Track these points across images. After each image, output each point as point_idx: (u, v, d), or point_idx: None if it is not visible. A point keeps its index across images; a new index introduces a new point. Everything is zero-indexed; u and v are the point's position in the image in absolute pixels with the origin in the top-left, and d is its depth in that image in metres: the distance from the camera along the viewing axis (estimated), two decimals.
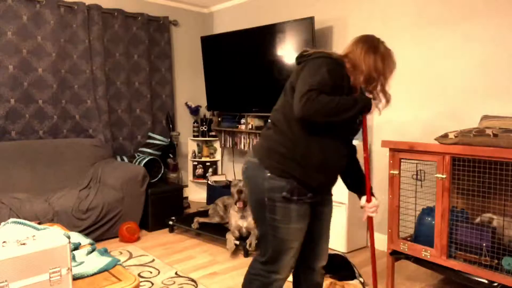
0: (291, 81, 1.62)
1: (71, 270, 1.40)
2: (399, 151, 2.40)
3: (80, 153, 3.85)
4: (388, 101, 1.67)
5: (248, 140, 4.39)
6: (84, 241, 2.17)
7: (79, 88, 4.03)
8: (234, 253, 3.16)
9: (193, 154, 4.95)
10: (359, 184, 1.80)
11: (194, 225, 3.52)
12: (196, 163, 4.96)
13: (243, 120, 4.34)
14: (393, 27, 3.18)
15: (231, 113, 4.56)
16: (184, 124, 4.99)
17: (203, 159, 4.93)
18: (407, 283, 2.68)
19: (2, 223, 1.61)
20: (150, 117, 4.58)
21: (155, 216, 3.76)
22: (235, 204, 3.26)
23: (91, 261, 1.84)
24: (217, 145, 4.96)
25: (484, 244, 2.10)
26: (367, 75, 1.58)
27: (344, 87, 1.56)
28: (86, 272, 1.70)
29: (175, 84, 4.89)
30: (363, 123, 1.71)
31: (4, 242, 1.33)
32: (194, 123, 4.95)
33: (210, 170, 4.95)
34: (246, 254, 3.14)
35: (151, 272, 2.82)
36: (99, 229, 3.36)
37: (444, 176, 2.19)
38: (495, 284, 2.01)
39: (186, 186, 4.93)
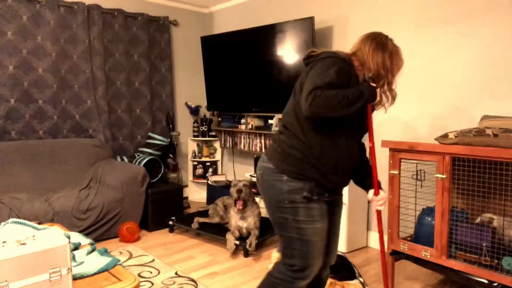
0: (301, 82, 1.61)
1: (71, 270, 1.40)
2: (399, 151, 2.40)
3: (80, 153, 3.85)
4: (394, 98, 1.68)
5: (248, 140, 4.39)
6: (84, 241, 2.17)
7: (79, 88, 4.03)
8: (234, 253, 3.16)
9: (193, 154, 4.95)
10: (365, 177, 1.78)
11: (194, 225, 3.52)
12: (196, 163, 4.96)
13: (243, 120, 4.34)
14: (393, 27, 3.18)
15: (231, 113, 4.56)
16: (184, 124, 4.99)
17: (203, 159, 4.93)
18: (407, 283, 2.68)
19: (2, 223, 1.61)
20: (150, 117, 4.58)
21: (155, 216, 3.76)
22: (235, 205, 3.26)
23: (91, 261, 1.84)
24: (217, 145, 4.96)
25: (484, 244, 2.10)
26: (375, 72, 1.59)
27: (352, 86, 1.55)
28: (86, 272, 1.70)
29: (175, 84, 4.89)
30: (368, 114, 1.70)
31: (4, 242, 1.33)
32: (194, 123, 4.95)
33: (210, 170, 4.95)
34: (246, 254, 3.14)
35: (151, 272, 2.82)
36: (99, 229, 3.36)
37: (444, 176, 2.19)
38: (495, 284, 2.01)
39: (186, 186, 4.93)
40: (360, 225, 3.35)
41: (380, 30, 3.38)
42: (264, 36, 3.93)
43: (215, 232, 3.40)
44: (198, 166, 4.95)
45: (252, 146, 4.34)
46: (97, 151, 3.95)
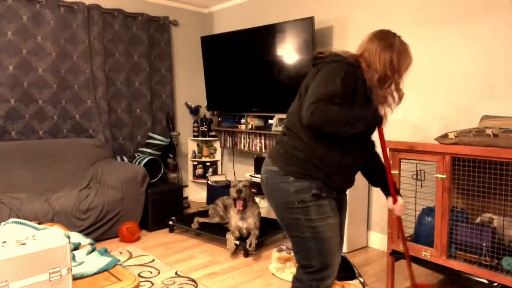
0: (306, 84, 1.59)
1: (71, 270, 1.40)
2: (399, 151, 2.40)
3: (80, 153, 3.85)
4: (400, 98, 1.64)
5: (248, 140, 4.39)
6: (84, 241, 2.17)
7: (79, 88, 4.03)
8: (234, 253, 3.16)
9: (193, 154, 4.95)
10: (384, 183, 1.79)
11: (194, 225, 3.52)
12: (196, 163, 4.96)
13: (243, 120, 4.34)
14: (393, 27, 3.15)
15: (231, 113, 4.56)
16: (184, 124, 4.99)
17: (203, 159, 4.93)
18: (407, 283, 2.67)
19: (2, 223, 1.61)
20: (150, 117, 4.58)
21: (155, 216, 3.76)
22: (234, 205, 3.26)
23: (91, 261, 1.84)
24: (217, 145, 4.96)
25: (484, 244, 2.10)
26: (382, 74, 1.56)
27: (358, 92, 1.53)
28: (86, 272, 1.70)
29: (175, 84, 4.89)
30: (380, 135, 1.70)
31: (4, 242, 1.33)
32: (194, 123, 4.95)
33: (210, 170, 4.95)
34: (246, 254, 3.14)
35: (151, 272, 2.81)
36: (99, 229, 3.36)
37: (444, 176, 2.19)
38: (495, 284, 2.01)
39: (186, 186, 4.93)
40: (360, 225, 3.35)
41: None
42: (264, 36, 3.93)
43: (215, 232, 3.40)
44: (198, 166, 4.95)
45: (252, 146, 4.34)
46: (97, 151, 3.95)
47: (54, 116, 3.89)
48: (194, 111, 4.97)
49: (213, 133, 4.82)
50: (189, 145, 4.94)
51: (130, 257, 3.09)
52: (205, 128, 4.85)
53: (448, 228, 2.20)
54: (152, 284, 2.63)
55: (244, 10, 4.60)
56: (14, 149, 3.53)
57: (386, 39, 1.59)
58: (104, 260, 1.83)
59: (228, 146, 4.68)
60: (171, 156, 4.55)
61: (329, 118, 1.43)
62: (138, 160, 4.05)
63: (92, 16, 4.04)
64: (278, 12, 4.15)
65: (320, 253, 1.59)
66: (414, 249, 2.35)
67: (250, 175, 4.19)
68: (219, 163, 5.01)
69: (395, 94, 1.62)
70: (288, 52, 3.77)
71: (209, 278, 2.75)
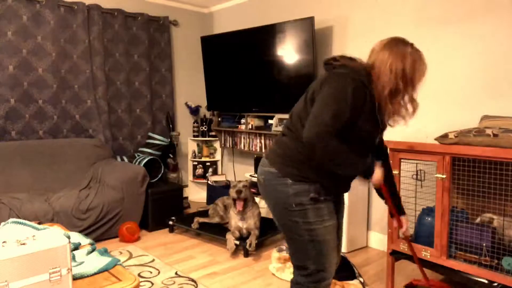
0: (314, 89, 1.56)
1: (71, 270, 1.40)
2: (399, 151, 2.40)
3: (80, 153, 3.85)
4: (414, 110, 1.59)
5: (248, 140, 4.39)
6: (84, 241, 2.17)
7: (79, 88, 4.03)
8: (234, 253, 3.16)
9: (193, 154, 4.95)
10: (395, 201, 1.79)
11: (194, 225, 3.52)
12: (196, 163, 4.96)
13: (243, 120, 4.34)
14: (393, 27, 3.18)
15: (231, 113, 4.56)
16: (184, 124, 4.99)
17: (203, 159, 4.93)
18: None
19: (2, 223, 1.61)
20: (150, 117, 4.58)
21: (155, 216, 3.76)
22: (234, 206, 3.26)
23: (91, 261, 1.84)
24: (217, 145, 4.96)
25: (484, 244, 2.10)
26: (393, 86, 1.50)
27: (366, 108, 1.49)
28: (86, 272, 1.70)
29: (175, 84, 4.89)
30: (384, 193, 1.70)
31: (4, 242, 1.33)
32: (194, 123, 4.95)
33: (210, 170, 4.95)
34: (246, 254, 3.14)
35: (151, 272, 2.81)
36: (99, 229, 3.36)
37: (444, 176, 2.19)
38: (495, 284, 2.01)
39: (186, 186, 4.93)
40: (360, 225, 3.35)
41: (380, 30, 3.40)
42: (264, 36, 3.93)
43: (215, 232, 3.40)
44: (198, 166, 4.95)
45: (252, 146, 4.34)
46: (97, 151, 3.95)
47: (54, 116, 3.88)
48: (194, 111, 4.97)
49: (213, 133, 4.82)
50: (189, 145, 4.94)
51: (130, 257, 3.09)
52: (205, 128, 4.85)
53: (448, 228, 2.20)
54: (152, 284, 2.63)
55: (244, 10, 4.59)
56: (14, 149, 3.53)
57: (398, 48, 1.52)
58: (104, 260, 1.83)
59: (228, 146, 4.68)
60: (171, 156, 4.55)
61: (326, 153, 1.44)
62: (138, 160, 4.05)
63: (92, 16, 4.04)
64: (278, 12, 4.15)
65: (317, 255, 1.59)
66: (414, 249, 2.35)
67: (250, 175, 4.19)
68: (219, 163, 5.01)
69: (409, 106, 1.57)
70: (288, 52, 3.77)
71: (209, 278, 2.75)
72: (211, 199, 4.23)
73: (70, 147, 3.83)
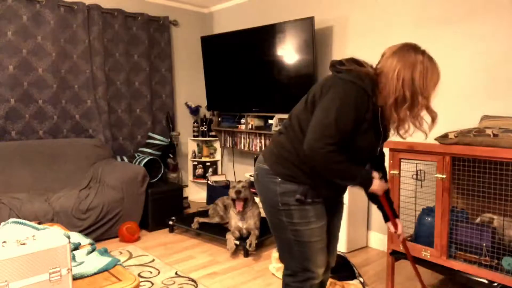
0: (315, 92, 1.53)
1: (71, 270, 1.40)
2: (399, 151, 2.40)
3: (80, 153, 3.85)
4: (433, 120, 1.50)
5: (248, 140, 4.39)
6: (84, 241, 2.17)
7: (79, 88, 4.03)
8: (234, 253, 3.16)
9: (193, 154, 4.95)
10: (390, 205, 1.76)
11: (194, 225, 3.52)
12: (196, 163, 4.96)
13: (243, 120, 4.34)
14: (393, 27, 3.18)
15: (231, 113, 4.56)
16: (184, 124, 4.99)
17: (203, 159, 4.93)
18: (407, 283, 2.68)
19: (2, 223, 1.61)
20: (150, 117, 4.58)
21: (155, 216, 3.76)
22: (234, 206, 3.26)
23: (91, 261, 1.84)
24: (217, 145, 4.96)
25: (484, 244, 2.10)
26: (399, 95, 1.43)
27: (367, 118, 1.45)
28: (86, 272, 1.70)
29: (175, 84, 4.89)
30: (383, 203, 1.69)
31: (4, 242, 1.33)
32: (194, 123, 4.95)
33: (210, 170, 4.95)
34: (246, 254, 3.14)
35: (151, 272, 2.81)
36: (99, 229, 3.36)
37: (444, 176, 2.19)
38: (495, 284, 2.01)
39: (186, 186, 4.93)
40: (360, 225, 3.35)
41: (380, 30, 3.39)
42: (264, 36, 3.93)
43: (215, 232, 3.40)
44: (198, 166, 4.95)
45: (252, 146, 4.34)
46: (97, 151, 3.95)
47: (54, 116, 3.88)
48: (194, 111, 4.97)
49: (213, 133, 4.82)
50: (189, 145, 4.94)
51: (130, 257, 3.09)
52: (205, 128, 4.85)
53: (448, 228, 2.20)
54: (152, 284, 2.63)
55: (244, 10, 4.60)
56: (14, 149, 3.53)
57: (409, 55, 1.43)
58: (104, 260, 1.83)
59: (228, 146, 4.68)
60: (171, 156, 4.55)
61: (326, 164, 1.43)
62: (138, 160, 4.05)
63: (92, 16, 4.04)
64: (278, 12, 4.15)
65: (302, 256, 1.59)
66: (414, 249, 2.35)
67: (250, 175, 4.19)
68: (219, 163, 5.01)
69: (419, 116, 1.49)
70: (288, 52, 3.77)
71: (209, 278, 2.75)
72: (211, 199, 4.23)
73: (70, 147, 3.83)
